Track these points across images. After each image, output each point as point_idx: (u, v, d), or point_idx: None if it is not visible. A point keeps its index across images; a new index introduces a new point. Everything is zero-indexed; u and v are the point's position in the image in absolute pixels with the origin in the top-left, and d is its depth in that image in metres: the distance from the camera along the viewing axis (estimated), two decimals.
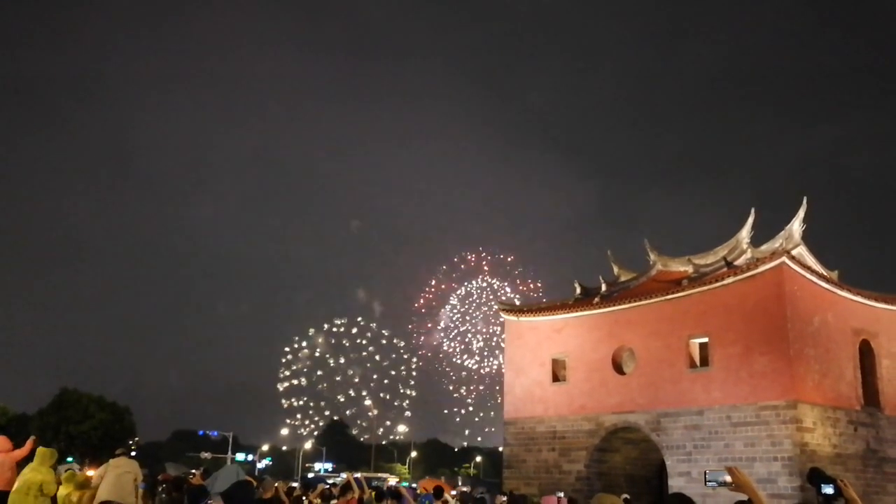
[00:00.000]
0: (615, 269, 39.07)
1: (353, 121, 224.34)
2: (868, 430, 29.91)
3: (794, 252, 30.20)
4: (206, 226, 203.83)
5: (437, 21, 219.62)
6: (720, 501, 24.65)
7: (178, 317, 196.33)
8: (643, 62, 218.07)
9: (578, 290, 37.52)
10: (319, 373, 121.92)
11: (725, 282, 30.33)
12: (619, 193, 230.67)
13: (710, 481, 5.74)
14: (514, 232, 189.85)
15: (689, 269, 33.41)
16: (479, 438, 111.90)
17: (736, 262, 31.59)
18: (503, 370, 39.37)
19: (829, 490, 5.08)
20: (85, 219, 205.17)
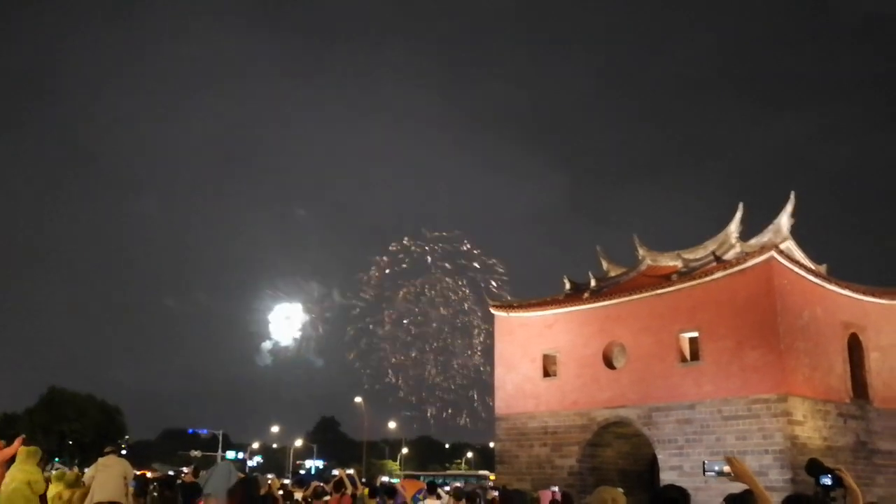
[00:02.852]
0: (604, 265, 39.14)
1: (311, 107, 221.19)
2: (858, 422, 30.11)
3: (782, 246, 30.34)
4: (174, 221, 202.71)
5: (403, 5, 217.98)
6: (711, 494, 24.73)
7: (163, 314, 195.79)
8: (618, 54, 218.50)
9: (568, 286, 37.58)
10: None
11: (715, 276, 30.43)
12: (594, 186, 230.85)
13: (708, 471, 5.75)
14: (481, 223, 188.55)
15: (679, 263, 33.51)
16: (447, 445, 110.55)
17: (725, 257, 31.70)
18: (489, 366, 39.33)
19: (827, 481, 5.08)
20: (62, 218, 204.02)
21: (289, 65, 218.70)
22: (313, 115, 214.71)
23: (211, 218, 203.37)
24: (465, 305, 75.72)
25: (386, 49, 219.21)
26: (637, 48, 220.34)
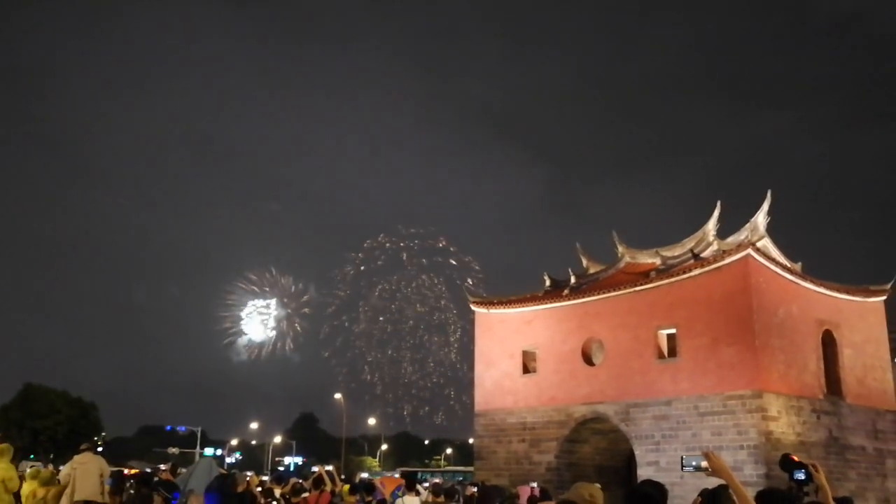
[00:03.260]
0: (584, 261, 39.33)
1: (287, 107, 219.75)
2: (831, 418, 30.52)
3: (759, 244, 30.66)
4: (148, 216, 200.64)
5: (377, 5, 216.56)
6: (687, 489, 24.98)
7: (138, 308, 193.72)
8: (594, 50, 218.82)
9: (548, 283, 37.71)
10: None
11: (692, 274, 30.69)
12: (569, 182, 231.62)
13: (686, 466, 5.83)
14: (456, 219, 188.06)
15: (657, 261, 33.74)
16: (426, 441, 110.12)
17: (703, 255, 31.98)
18: (464, 363, 39.51)
19: (800, 475, 5.17)
20: (38, 216, 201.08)
21: (266, 63, 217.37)
22: (289, 112, 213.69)
23: (185, 213, 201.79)
24: (441, 302, 75.39)
25: (360, 47, 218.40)
26: (613, 45, 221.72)
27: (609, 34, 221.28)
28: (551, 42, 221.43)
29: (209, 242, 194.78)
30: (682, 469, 5.02)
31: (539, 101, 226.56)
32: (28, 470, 16.34)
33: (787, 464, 5.38)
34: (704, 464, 4.64)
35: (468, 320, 39.71)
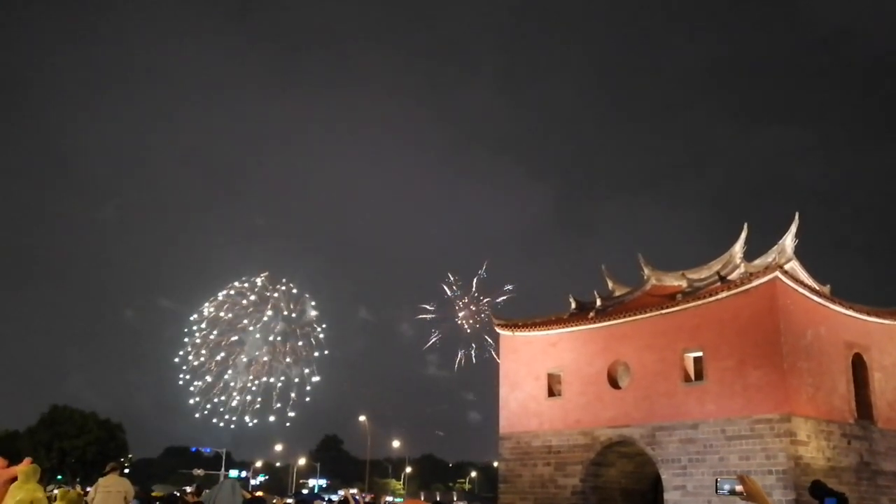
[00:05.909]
0: (609, 284, 39.21)
1: (287, 121, 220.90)
2: (861, 443, 30.02)
3: (786, 266, 30.39)
4: (170, 232, 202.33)
5: (382, 16, 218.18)
6: None
7: (163, 330, 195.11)
8: (604, 65, 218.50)
9: (573, 305, 37.62)
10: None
11: (719, 296, 30.48)
12: (578, 201, 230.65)
13: (720, 489, 5.82)
14: (460, 234, 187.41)
15: (683, 283, 33.56)
16: (450, 464, 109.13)
17: (729, 277, 31.77)
18: (463, 388, 39.35)
19: (831, 503, 5.13)
20: (65, 238, 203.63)
21: (262, 77, 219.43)
22: (289, 129, 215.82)
23: (207, 229, 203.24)
24: (434, 333, 73.80)
25: (365, 61, 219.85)
26: (620, 65, 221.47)
27: (618, 54, 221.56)
28: (557, 58, 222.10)
29: (205, 254, 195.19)
30: (716, 492, 4.99)
31: (542, 117, 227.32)
32: (56, 491, 16.53)
33: (818, 490, 5.35)
34: (739, 487, 4.62)
35: (477, 344, 39.58)
